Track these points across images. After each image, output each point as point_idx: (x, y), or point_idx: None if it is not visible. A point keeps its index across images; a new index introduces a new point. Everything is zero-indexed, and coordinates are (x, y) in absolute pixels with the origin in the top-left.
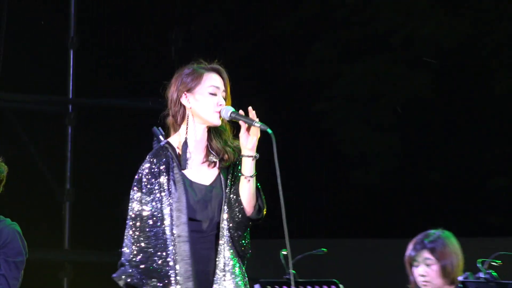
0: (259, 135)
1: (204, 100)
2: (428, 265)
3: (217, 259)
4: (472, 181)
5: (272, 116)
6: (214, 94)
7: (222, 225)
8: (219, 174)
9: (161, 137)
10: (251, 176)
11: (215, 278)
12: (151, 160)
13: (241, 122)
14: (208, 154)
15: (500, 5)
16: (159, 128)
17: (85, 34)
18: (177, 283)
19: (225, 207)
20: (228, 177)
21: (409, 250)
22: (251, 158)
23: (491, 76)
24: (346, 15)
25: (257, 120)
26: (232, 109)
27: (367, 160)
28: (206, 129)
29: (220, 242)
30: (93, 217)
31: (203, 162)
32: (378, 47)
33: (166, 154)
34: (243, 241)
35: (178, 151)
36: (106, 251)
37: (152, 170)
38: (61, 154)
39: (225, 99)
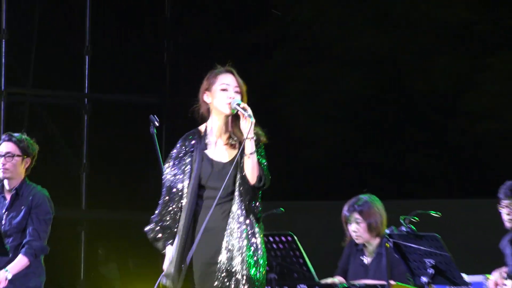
0: (253, 122)
1: (218, 95)
2: (358, 223)
3: (229, 219)
4: (395, 158)
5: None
6: (225, 90)
7: (236, 192)
8: (237, 154)
9: (156, 123)
10: (250, 154)
11: (225, 233)
12: (182, 142)
13: (239, 113)
14: (229, 138)
15: (414, 24)
16: (155, 116)
17: (97, 44)
18: (187, 237)
19: (239, 179)
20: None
21: (344, 211)
22: (248, 140)
23: (410, 76)
24: (299, 30)
25: (248, 111)
26: (238, 101)
27: (316, 142)
28: (225, 118)
29: (233, 204)
30: (103, 185)
31: (225, 144)
32: (323, 54)
33: (193, 138)
34: (253, 203)
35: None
36: (114, 210)
37: (182, 150)
38: (79, 137)
39: (239, 93)
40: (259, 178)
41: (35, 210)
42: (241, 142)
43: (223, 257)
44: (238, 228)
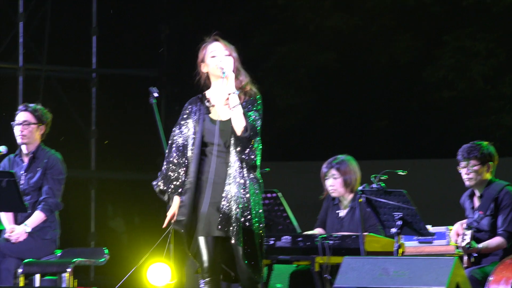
0: (231, 78)
1: (210, 62)
2: (335, 178)
3: (228, 169)
4: (364, 122)
5: None
6: (214, 56)
7: (231, 145)
8: None
9: (155, 93)
10: (233, 107)
11: (225, 182)
12: (188, 105)
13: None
14: (227, 98)
15: (379, 4)
16: (154, 87)
17: (103, 25)
18: (195, 189)
19: (231, 132)
20: None
21: (323, 167)
22: (230, 95)
23: (374, 52)
24: (276, 12)
25: (225, 69)
26: (221, 63)
27: (291, 109)
28: (222, 81)
29: (230, 155)
30: (110, 148)
31: (225, 105)
32: (298, 34)
33: (196, 102)
34: (244, 153)
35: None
36: (119, 171)
37: (188, 111)
38: (89, 106)
39: (229, 55)
40: (245, 129)
41: (49, 171)
42: (242, 100)
43: (224, 205)
44: (235, 176)
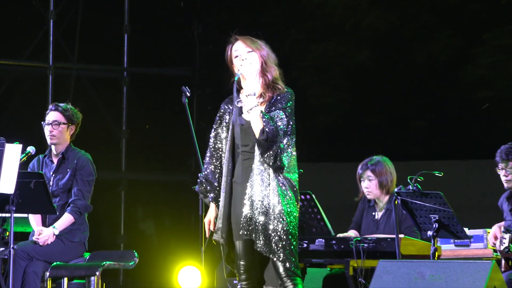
0: (249, 79)
1: (235, 63)
2: (370, 180)
3: (251, 171)
4: (400, 123)
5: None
6: (237, 56)
7: (255, 147)
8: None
9: (187, 93)
10: (249, 109)
11: (247, 185)
12: (222, 106)
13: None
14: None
15: (416, 2)
16: (186, 87)
17: (135, 23)
18: (228, 194)
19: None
20: None
21: (358, 169)
22: (248, 96)
23: (412, 50)
24: (312, 10)
25: (240, 70)
26: (243, 64)
27: (327, 109)
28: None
29: (255, 158)
30: (141, 149)
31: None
32: (334, 32)
33: (230, 102)
34: (267, 155)
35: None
36: (150, 172)
37: (221, 113)
38: (119, 106)
39: (252, 51)
40: (261, 132)
41: (79, 172)
42: (269, 97)
43: (246, 208)
44: (258, 180)
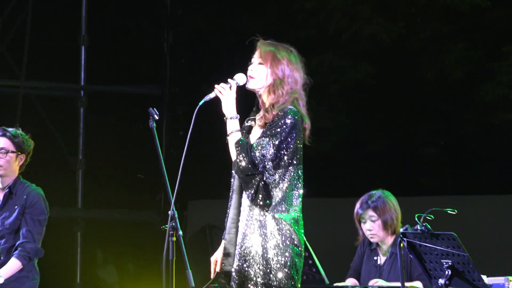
0: (225, 98)
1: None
2: (373, 221)
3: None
4: (407, 151)
5: None
6: (251, 63)
7: None
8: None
9: (155, 116)
10: (227, 135)
11: (232, 224)
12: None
13: None
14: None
15: (425, 10)
16: (154, 108)
17: (94, 33)
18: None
19: None
20: None
21: (357, 208)
22: (227, 119)
23: (420, 65)
24: (304, 18)
25: (218, 87)
26: (237, 77)
27: (321, 134)
28: (258, 97)
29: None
30: (101, 182)
31: (259, 125)
32: (330, 44)
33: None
34: (247, 192)
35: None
36: (111, 209)
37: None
38: (75, 131)
39: (262, 64)
40: (233, 164)
41: (29, 210)
42: (263, 123)
43: (231, 253)
44: (243, 218)
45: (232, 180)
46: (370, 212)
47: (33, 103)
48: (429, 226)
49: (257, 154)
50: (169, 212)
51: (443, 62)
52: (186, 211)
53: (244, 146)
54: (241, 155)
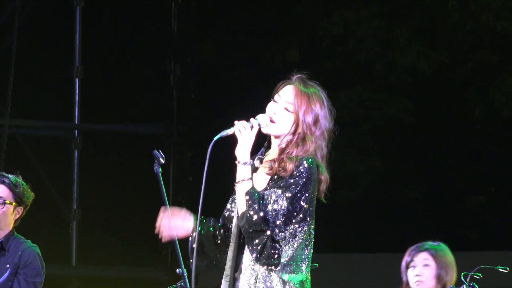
0: (243, 139)
1: (267, 109)
2: (426, 265)
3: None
4: (451, 199)
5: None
6: (275, 102)
7: None
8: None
9: (161, 159)
10: (236, 182)
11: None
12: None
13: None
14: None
15: (471, 37)
16: (159, 151)
17: (89, 63)
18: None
19: None
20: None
21: (406, 255)
22: (238, 164)
23: (467, 100)
24: (331, 45)
25: (236, 126)
26: (260, 118)
27: (352, 180)
28: (272, 140)
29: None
30: (98, 235)
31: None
32: (361, 75)
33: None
34: (250, 246)
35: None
36: (110, 266)
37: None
38: (68, 177)
39: (288, 111)
40: (242, 215)
41: (23, 270)
42: (274, 170)
43: None
44: (246, 275)
45: (230, 226)
46: (425, 255)
47: (19, 145)
48: (476, 286)
49: (269, 208)
50: (178, 270)
51: (493, 97)
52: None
53: (256, 198)
54: (252, 208)
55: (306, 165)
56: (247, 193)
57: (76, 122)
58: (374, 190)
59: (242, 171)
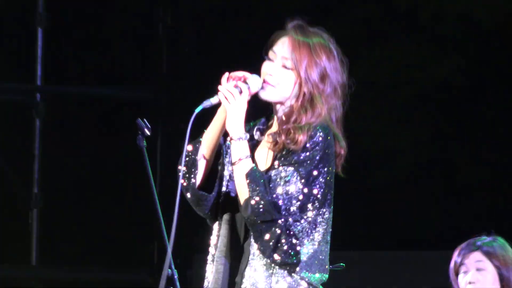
0: (232, 109)
1: (262, 70)
2: (479, 269)
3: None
4: None
5: None
6: (271, 61)
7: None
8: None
9: (146, 130)
10: (231, 163)
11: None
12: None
13: None
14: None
15: None
16: (144, 120)
17: (55, 8)
18: None
19: None
20: None
21: (455, 257)
22: (232, 141)
23: None
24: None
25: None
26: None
27: (390, 158)
28: (273, 106)
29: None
30: (65, 228)
31: (268, 147)
32: (400, 26)
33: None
34: (259, 242)
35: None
36: (80, 267)
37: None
38: (28, 153)
39: (288, 69)
40: (245, 203)
41: None
42: (280, 144)
43: None
44: (260, 270)
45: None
46: (479, 256)
47: None
48: None
49: (279, 191)
50: (165, 271)
51: None
52: (190, 269)
53: (260, 179)
54: (256, 194)
55: (321, 135)
56: (247, 175)
57: (38, 83)
58: (418, 172)
59: (238, 149)
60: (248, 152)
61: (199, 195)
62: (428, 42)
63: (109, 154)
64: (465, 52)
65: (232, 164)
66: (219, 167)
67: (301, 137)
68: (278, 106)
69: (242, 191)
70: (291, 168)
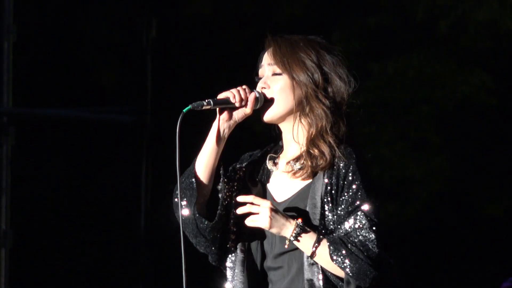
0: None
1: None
2: None
3: None
4: None
5: None
6: (259, 77)
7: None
8: (306, 186)
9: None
10: (289, 239)
11: None
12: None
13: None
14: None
15: None
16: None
17: (26, 19)
18: None
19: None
20: None
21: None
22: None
23: None
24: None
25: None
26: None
27: (405, 188)
28: (281, 128)
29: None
30: (38, 268)
31: (287, 172)
32: (417, 37)
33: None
34: None
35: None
36: None
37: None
38: None
39: (280, 74)
40: (353, 275)
41: None
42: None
43: None
44: None
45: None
46: None
47: None
48: None
49: (372, 236)
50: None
51: None
52: None
53: (343, 251)
54: (349, 259)
55: (353, 159)
56: (332, 258)
57: (6, 104)
58: (436, 202)
59: (303, 239)
60: (314, 235)
61: (198, 221)
62: (448, 55)
63: (88, 185)
64: (491, 66)
65: (290, 238)
66: (219, 195)
67: (325, 155)
68: (284, 126)
69: (330, 264)
70: (359, 211)
